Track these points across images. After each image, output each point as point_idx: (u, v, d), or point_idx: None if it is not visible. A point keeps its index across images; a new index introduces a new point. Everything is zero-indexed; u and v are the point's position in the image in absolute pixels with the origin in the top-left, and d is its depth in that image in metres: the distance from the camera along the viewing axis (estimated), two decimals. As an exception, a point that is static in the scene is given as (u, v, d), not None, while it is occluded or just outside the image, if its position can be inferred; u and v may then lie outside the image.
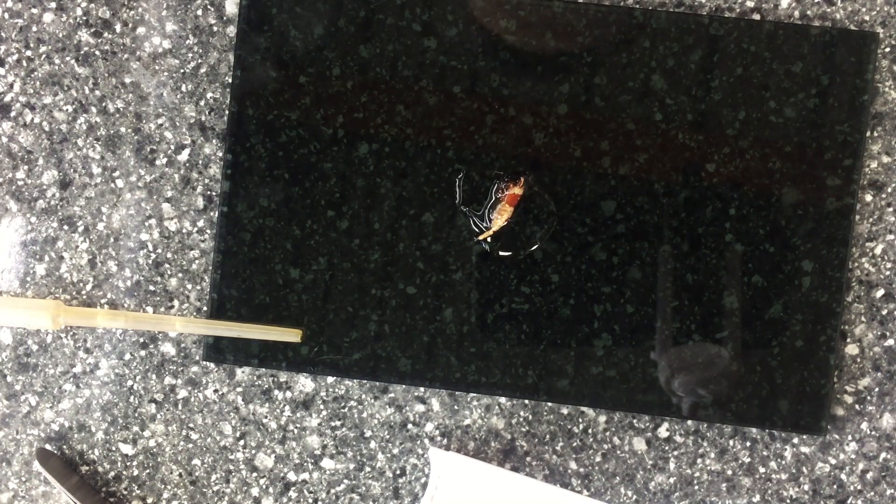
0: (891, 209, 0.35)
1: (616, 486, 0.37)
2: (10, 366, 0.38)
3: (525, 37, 0.34)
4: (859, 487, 0.36)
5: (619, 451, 0.36)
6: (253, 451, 0.37)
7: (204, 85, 0.36)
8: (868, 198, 0.35)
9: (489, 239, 0.34)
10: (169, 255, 0.37)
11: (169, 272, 0.37)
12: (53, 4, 0.36)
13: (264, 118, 0.35)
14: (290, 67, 0.35)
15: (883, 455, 0.36)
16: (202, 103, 0.36)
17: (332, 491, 0.37)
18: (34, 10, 0.36)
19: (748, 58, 0.34)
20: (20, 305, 0.36)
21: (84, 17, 0.36)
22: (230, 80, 0.36)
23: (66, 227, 0.37)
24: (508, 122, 0.34)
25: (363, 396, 0.37)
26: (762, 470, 0.36)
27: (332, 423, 0.37)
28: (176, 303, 0.37)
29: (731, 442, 0.36)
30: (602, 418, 0.36)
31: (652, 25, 0.34)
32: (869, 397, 0.36)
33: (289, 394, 0.37)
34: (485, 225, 0.35)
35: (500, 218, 0.34)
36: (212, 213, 0.37)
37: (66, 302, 0.37)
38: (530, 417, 0.37)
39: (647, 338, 0.35)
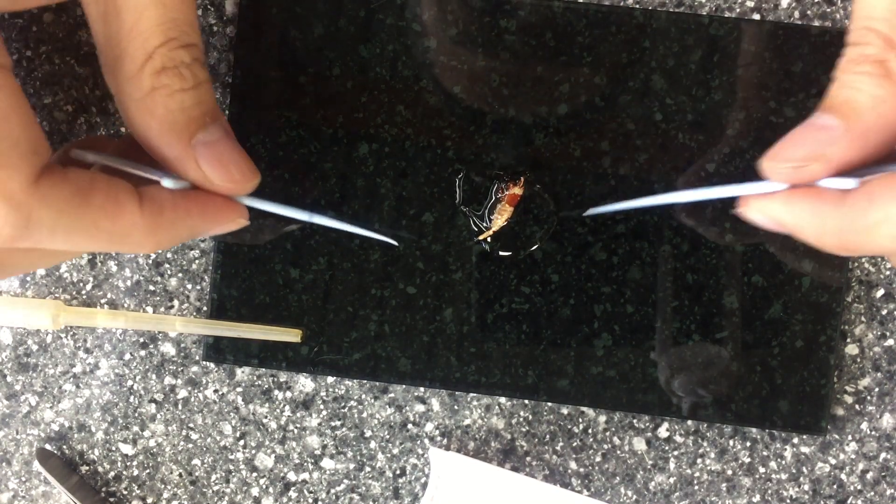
0: (891, 209, 0.35)
1: (616, 486, 0.37)
2: (10, 366, 0.38)
3: (525, 37, 0.34)
4: (859, 487, 0.36)
5: (619, 451, 0.36)
6: (253, 451, 0.37)
7: (204, 85, 0.36)
8: (868, 198, 0.35)
9: (489, 239, 0.34)
10: (169, 255, 0.37)
11: (169, 272, 0.37)
12: (54, 4, 0.36)
13: (264, 118, 0.35)
14: (290, 67, 0.35)
15: (883, 455, 0.36)
16: (202, 103, 0.36)
17: (332, 491, 0.37)
18: (34, 10, 0.36)
19: (748, 58, 0.34)
20: (20, 305, 0.36)
21: (84, 17, 0.36)
22: (230, 80, 0.36)
23: (66, 227, 0.37)
24: (508, 122, 0.34)
25: (363, 396, 0.37)
26: (762, 470, 0.36)
27: (332, 423, 0.37)
28: (176, 303, 0.37)
29: (731, 442, 0.36)
30: (602, 418, 0.36)
31: (652, 25, 0.34)
32: (869, 397, 0.36)
33: (289, 394, 0.37)
34: (485, 225, 0.35)
35: (500, 218, 0.34)
36: (212, 213, 0.36)
37: (66, 302, 0.37)
38: (530, 417, 0.37)
39: (647, 338, 0.35)
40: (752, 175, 0.34)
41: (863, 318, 0.35)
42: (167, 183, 0.28)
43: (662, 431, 0.36)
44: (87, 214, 0.25)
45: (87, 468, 0.38)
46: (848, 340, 0.36)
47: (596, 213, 0.33)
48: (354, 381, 0.37)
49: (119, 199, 0.26)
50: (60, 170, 0.25)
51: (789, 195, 0.26)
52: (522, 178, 0.34)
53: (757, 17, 0.35)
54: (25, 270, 0.28)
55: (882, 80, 0.24)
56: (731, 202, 0.28)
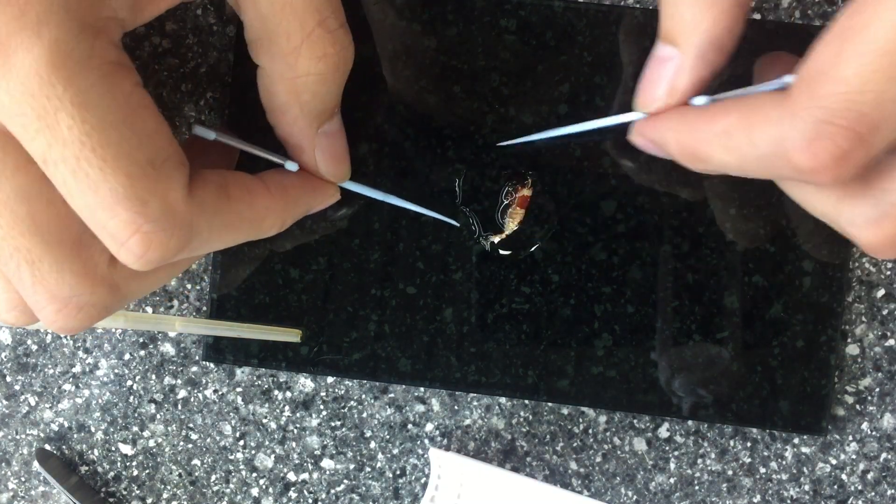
0: (891, 209, 0.35)
1: (616, 486, 0.37)
2: (9, 366, 0.38)
3: (525, 37, 0.34)
4: (860, 488, 0.36)
5: (619, 452, 0.36)
6: (253, 452, 0.37)
7: (204, 85, 0.36)
8: (868, 198, 0.35)
9: (495, 240, 0.34)
10: (169, 255, 0.37)
11: (169, 272, 0.37)
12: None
13: (264, 118, 0.35)
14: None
15: (884, 455, 0.36)
16: (202, 103, 0.36)
17: (332, 491, 0.37)
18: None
19: (748, 57, 0.34)
20: (20, 305, 0.36)
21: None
22: (230, 80, 0.36)
23: (65, 227, 0.37)
24: (508, 121, 0.34)
25: (363, 396, 0.37)
26: (763, 470, 0.36)
27: (332, 424, 0.37)
28: (176, 303, 0.37)
29: (731, 442, 0.36)
30: (602, 418, 0.36)
31: (652, 25, 0.34)
32: (869, 397, 0.36)
33: (289, 394, 0.37)
34: (493, 231, 0.34)
35: (512, 221, 0.34)
36: (212, 213, 0.36)
37: (65, 302, 0.37)
38: (530, 417, 0.36)
39: (648, 338, 0.35)
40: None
41: (863, 318, 0.35)
42: (290, 166, 0.30)
43: (663, 432, 0.36)
44: (232, 208, 0.26)
45: (87, 468, 0.38)
46: (849, 340, 0.36)
47: (506, 144, 0.34)
48: (354, 381, 0.37)
49: (250, 187, 0.27)
50: (199, 173, 0.26)
51: (656, 118, 0.28)
52: (529, 179, 0.34)
53: (757, 16, 0.35)
54: (160, 285, 0.29)
55: None
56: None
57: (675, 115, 0.27)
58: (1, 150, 0.23)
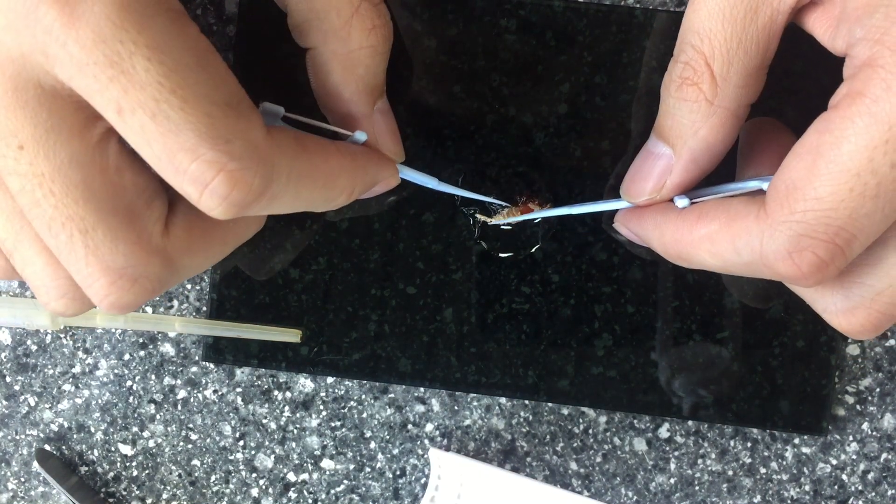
0: (891, 209, 0.35)
1: (616, 486, 0.36)
2: (9, 366, 0.38)
3: (525, 37, 0.34)
4: (860, 488, 0.36)
5: (619, 452, 0.36)
6: (253, 452, 0.37)
7: (204, 85, 0.36)
8: (869, 198, 0.35)
9: (479, 217, 0.34)
10: (169, 255, 0.37)
11: (168, 272, 0.37)
12: None
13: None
14: (289, 67, 0.35)
15: (884, 455, 0.36)
16: (202, 103, 0.36)
17: (332, 491, 0.37)
18: None
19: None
20: (19, 305, 0.36)
21: None
22: (230, 80, 0.36)
23: (65, 227, 0.37)
24: (508, 122, 0.34)
25: (363, 397, 0.37)
26: (763, 470, 0.36)
27: (332, 424, 0.37)
28: (175, 303, 0.37)
29: (731, 442, 0.36)
30: (602, 419, 0.36)
31: (652, 25, 0.34)
32: (870, 398, 0.36)
33: (288, 394, 0.37)
34: (479, 212, 0.34)
35: (506, 216, 0.34)
36: (211, 213, 0.36)
37: (65, 302, 0.37)
38: (530, 418, 0.36)
39: (648, 338, 0.35)
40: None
41: (864, 318, 0.35)
42: (359, 135, 0.29)
43: (663, 432, 0.36)
44: (309, 159, 0.26)
45: (87, 469, 0.38)
46: (849, 340, 0.35)
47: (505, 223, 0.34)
48: (354, 381, 0.37)
49: (322, 143, 0.27)
50: (272, 125, 0.25)
51: (639, 213, 0.29)
52: (549, 204, 0.34)
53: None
54: (211, 262, 0.28)
55: (697, 105, 0.26)
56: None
57: (657, 214, 0.28)
58: (57, 114, 0.23)
